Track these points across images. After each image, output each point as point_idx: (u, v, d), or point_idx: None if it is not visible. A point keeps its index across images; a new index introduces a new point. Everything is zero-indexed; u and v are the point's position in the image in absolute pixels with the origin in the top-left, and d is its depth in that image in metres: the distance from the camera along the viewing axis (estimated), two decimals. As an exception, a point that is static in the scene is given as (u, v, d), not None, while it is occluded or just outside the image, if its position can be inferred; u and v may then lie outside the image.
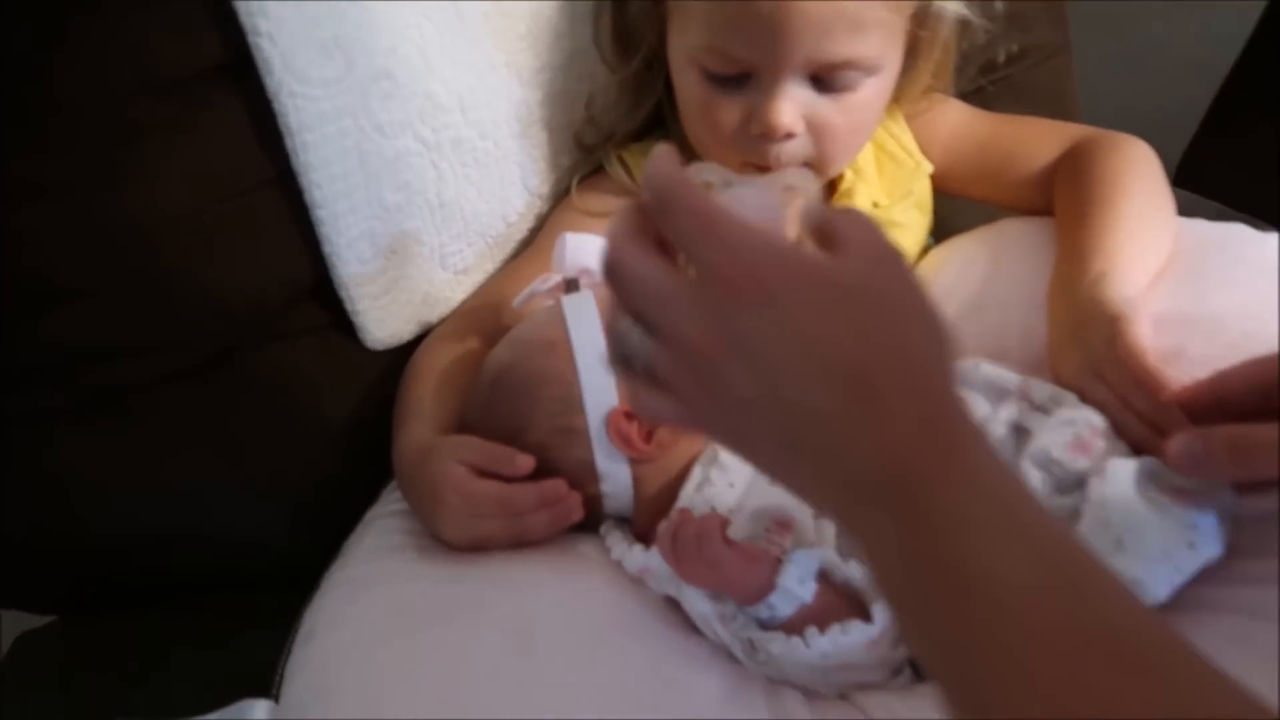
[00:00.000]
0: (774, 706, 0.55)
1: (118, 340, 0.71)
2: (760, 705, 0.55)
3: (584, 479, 0.65)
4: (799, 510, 0.63)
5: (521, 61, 0.77)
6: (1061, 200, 0.77)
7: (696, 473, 0.65)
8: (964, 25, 0.75)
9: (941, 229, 0.88)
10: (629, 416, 0.65)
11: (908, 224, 0.84)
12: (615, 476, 0.65)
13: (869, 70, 0.70)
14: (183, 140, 0.68)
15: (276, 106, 0.68)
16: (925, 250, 0.85)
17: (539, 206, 0.85)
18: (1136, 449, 0.61)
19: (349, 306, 0.78)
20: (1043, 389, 0.66)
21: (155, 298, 0.70)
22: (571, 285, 0.74)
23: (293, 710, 0.56)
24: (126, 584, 0.79)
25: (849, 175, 0.81)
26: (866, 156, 0.82)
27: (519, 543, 0.62)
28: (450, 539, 0.62)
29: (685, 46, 0.73)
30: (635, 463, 0.65)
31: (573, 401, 0.65)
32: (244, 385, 0.76)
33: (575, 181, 0.83)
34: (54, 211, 0.66)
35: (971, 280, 0.78)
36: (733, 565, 0.57)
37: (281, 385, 0.77)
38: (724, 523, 0.59)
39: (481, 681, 0.52)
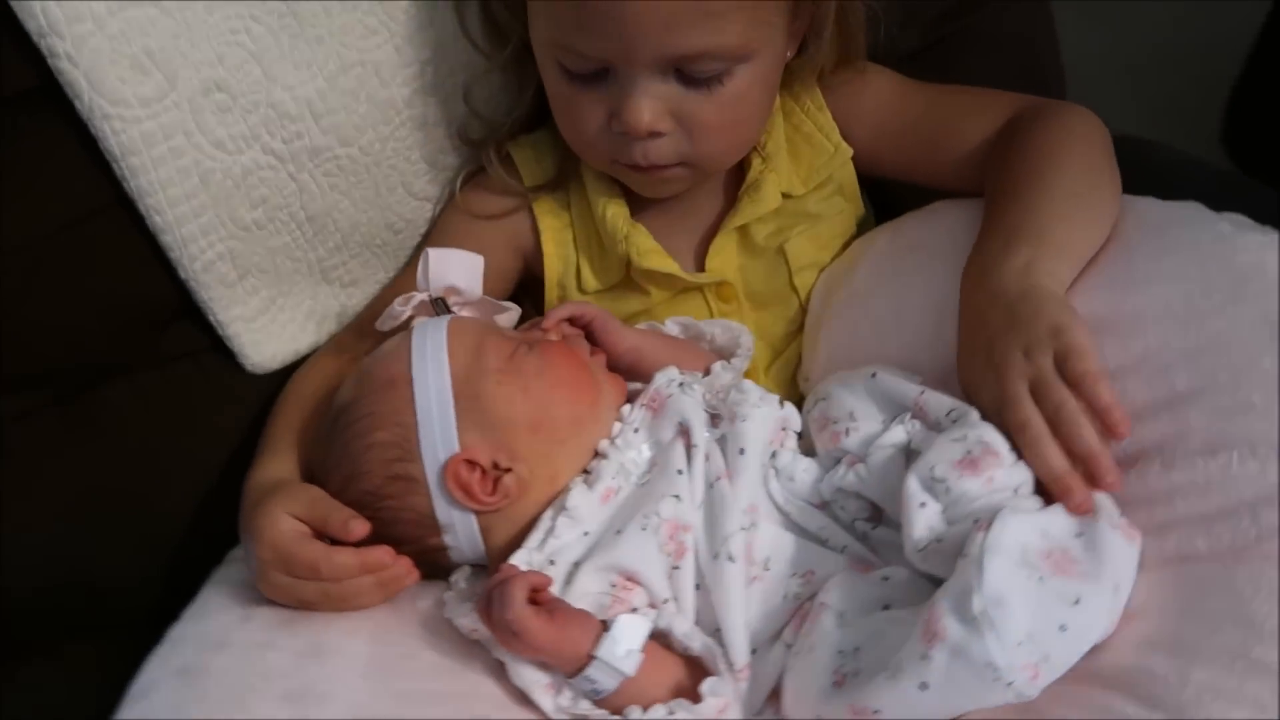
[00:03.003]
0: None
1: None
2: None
3: (425, 529, 0.60)
4: (649, 565, 0.56)
5: (379, 59, 0.70)
6: (990, 177, 0.67)
7: (544, 521, 0.59)
8: None
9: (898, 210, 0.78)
10: (470, 464, 0.59)
11: (828, 214, 0.75)
12: (459, 527, 0.60)
13: (736, 58, 0.62)
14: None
15: (92, 131, 0.63)
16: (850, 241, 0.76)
17: (429, 210, 0.78)
18: (1039, 488, 0.53)
19: (219, 331, 0.74)
20: (940, 403, 0.58)
21: (-5, 335, 0.67)
22: (440, 305, 0.68)
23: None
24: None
25: (757, 164, 0.73)
26: (777, 141, 0.73)
27: (343, 609, 0.57)
28: (267, 595, 0.58)
29: (541, 41, 0.66)
30: (481, 513, 0.60)
31: (409, 447, 0.59)
32: (110, 418, 0.73)
33: (459, 181, 0.77)
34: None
35: (884, 280, 0.70)
36: (540, 632, 0.51)
37: (150, 416, 0.74)
38: (541, 582, 0.53)
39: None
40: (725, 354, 0.71)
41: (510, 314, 0.71)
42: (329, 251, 0.76)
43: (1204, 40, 1.24)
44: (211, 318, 0.73)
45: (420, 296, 0.68)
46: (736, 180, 0.74)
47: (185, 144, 0.66)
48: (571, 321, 0.67)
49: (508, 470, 0.59)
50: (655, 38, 0.60)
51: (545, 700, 0.53)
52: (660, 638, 0.54)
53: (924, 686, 0.46)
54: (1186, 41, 1.28)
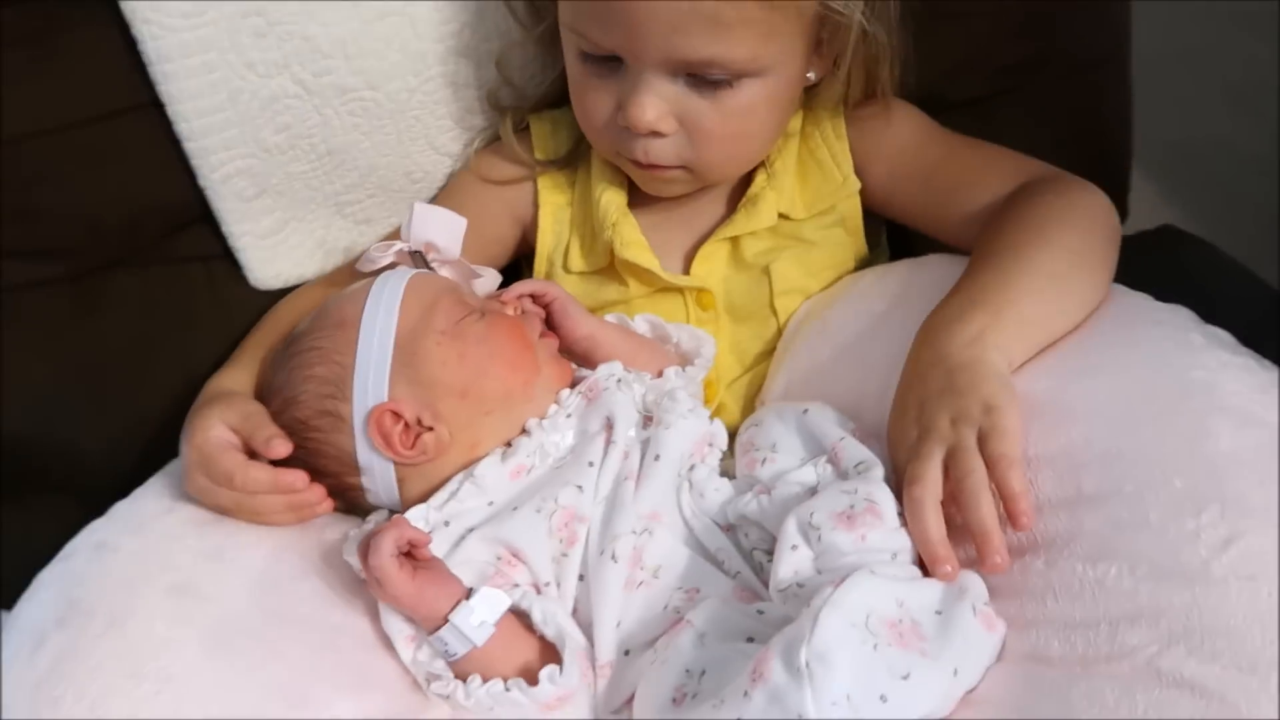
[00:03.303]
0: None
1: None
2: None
3: (345, 467, 0.63)
4: (535, 546, 0.58)
5: (416, 12, 0.73)
6: (980, 238, 0.66)
7: (452, 483, 0.61)
8: (864, 34, 0.64)
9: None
10: (395, 415, 0.61)
11: (823, 243, 0.74)
12: (377, 472, 0.62)
13: (744, 72, 0.62)
14: (43, 57, 0.69)
15: (133, 33, 0.68)
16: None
17: (449, 166, 0.81)
18: (920, 559, 0.53)
19: (230, 242, 0.78)
20: (854, 452, 0.58)
21: (20, 206, 0.72)
22: (418, 259, 0.71)
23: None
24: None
25: (760, 179, 0.73)
26: (786, 162, 0.73)
27: (255, 522, 0.60)
28: (191, 494, 0.62)
29: (564, 22, 0.67)
30: (399, 463, 0.62)
31: (342, 386, 0.62)
32: (115, 302, 0.78)
33: (476, 144, 0.79)
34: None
35: (856, 321, 0.69)
36: (398, 584, 0.53)
37: (151, 309, 0.78)
38: (420, 539, 0.55)
39: (125, 653, 0.52)
40: (687, 360, 0.71)
41: (488, 280, 0.73)
42: (346, 187, 0.79)
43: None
44: (225, 228, 0.77)
45: (400, 245, 0.70)
46: (741, 192, 0.74)
47: (218, 60, 0.70)
48: (534, 299, 0.68)
49: (430, 429, 0.61)
50: (662, 38, 0.61)
51: (405, 651, 0.56)
52: (522, 617, 0.56)
53: (739, 724, 0.47)
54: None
